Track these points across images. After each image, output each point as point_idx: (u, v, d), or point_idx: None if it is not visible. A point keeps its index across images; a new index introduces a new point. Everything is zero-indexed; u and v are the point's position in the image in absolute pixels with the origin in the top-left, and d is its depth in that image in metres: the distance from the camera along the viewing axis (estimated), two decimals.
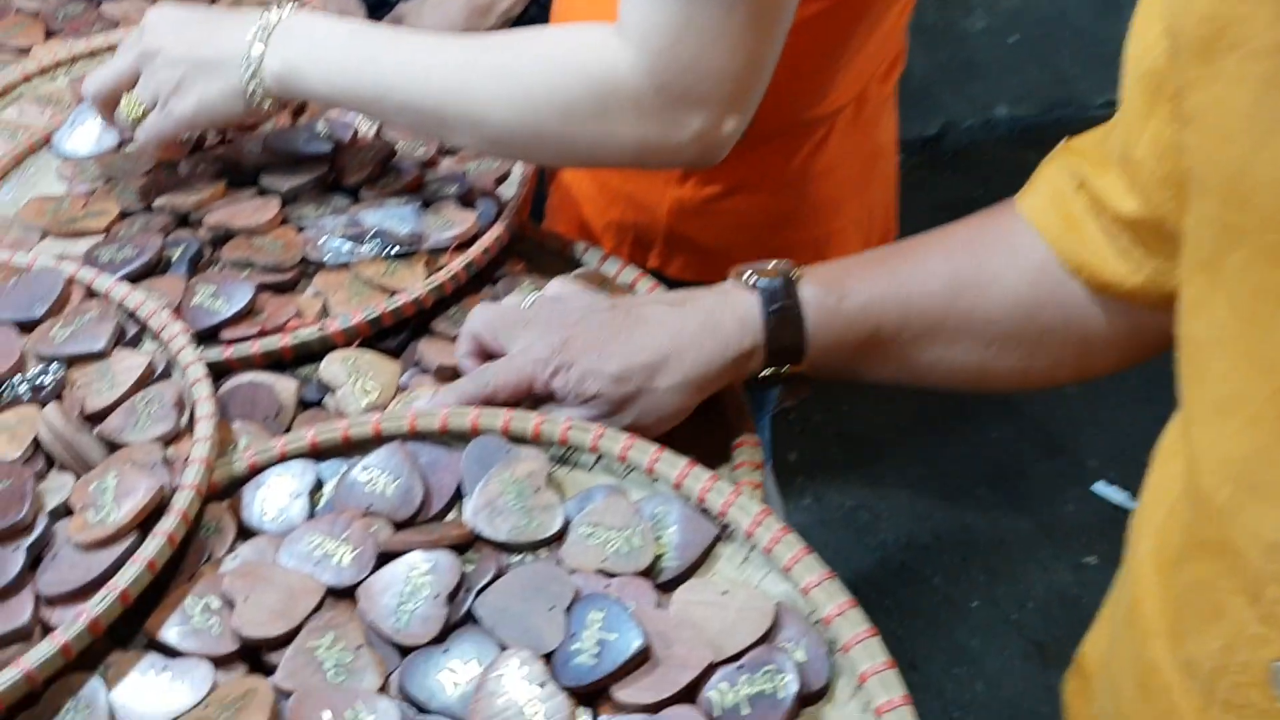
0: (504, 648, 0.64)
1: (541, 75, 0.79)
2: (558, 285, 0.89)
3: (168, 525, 0.67)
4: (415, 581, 0.67)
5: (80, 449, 0.71)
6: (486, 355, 0.82)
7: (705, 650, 0.63)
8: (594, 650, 0.63)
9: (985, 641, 2.25)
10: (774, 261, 0.76)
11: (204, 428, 0.74)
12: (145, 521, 0.67)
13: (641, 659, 0.63)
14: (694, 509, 0.72)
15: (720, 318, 0.74)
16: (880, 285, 0.76)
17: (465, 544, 0.70)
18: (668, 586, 0.69)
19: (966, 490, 2.55)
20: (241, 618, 0.65)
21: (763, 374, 0.76)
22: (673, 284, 1.07)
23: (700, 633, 0.65)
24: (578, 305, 0.79)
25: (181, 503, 0.68)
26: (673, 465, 0.73)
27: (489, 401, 0.78)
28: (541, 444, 0.77)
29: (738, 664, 0.64)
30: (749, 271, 0.76)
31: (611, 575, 0.69)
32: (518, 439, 0.77)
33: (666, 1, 0.75)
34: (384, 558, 0.69)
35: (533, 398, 0.79)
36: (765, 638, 0.65)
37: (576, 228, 1.15)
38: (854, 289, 0.75)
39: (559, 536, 0.71)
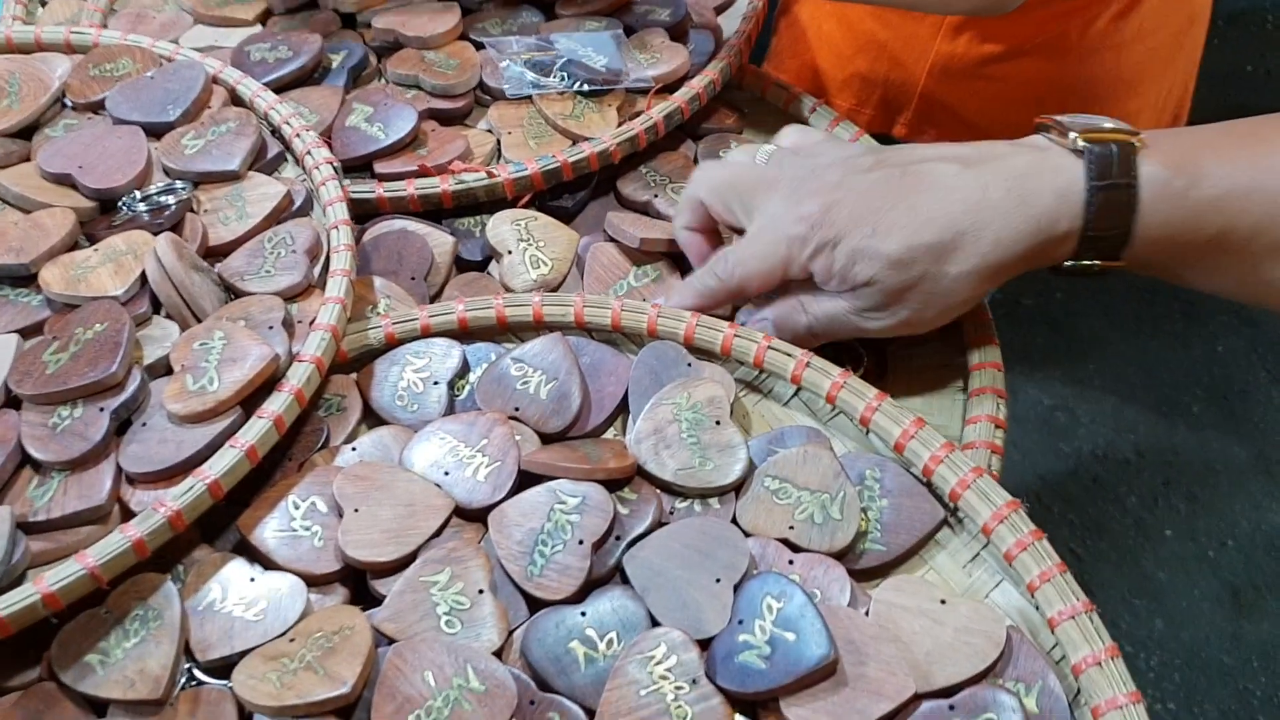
0: (654, 622, 0.52)
1: None
2: (796, 134, 0.68)
3: (276, 406, 0.55)
4: (558, 518, 0.54)
5: (191, 293, 0.60)
6: (712, 231, 0.66)
7: (908, 677, 0.49)
8: (765, 648, 0.50)
9: (1174, 576, 2.04)
10: (1106, 120, 0.57)
11: (337, 285, 0.61)
12: (252, 397, 0.56)
13: (825, 673, 0.49)
14: (916, 481, 0.56)
15: (1035, 186, 0.57)
16: (1242, 174, 0.55)
17: (623, 478, 0.57)
18: (867, 576, 0.55)
19: (1181, 405, 2.29)
20: (349, 533, 0.54)
21: (1065, 265, 0.59)
22: None
23: (905, 651, 0.50)
24: (832, 161, 0.62)
25: (297, 379, 0.57)
26: (896, 420, 0.57)
27: (738, 297, 0.63)
28: (730, 362, 0.62)
29: (949, 702, 0.49)
30: (1074, 130, 0.57)
31: (797, 549, 0.55)
32: (702, 352, 0.62)
33: None
34: (525, 479, 0.57)
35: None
36: (989, 672, 0.50)
37: (807, 78, 0.96)
38: (1209, 174, 0.56)
39: (737, 486, 0.57)
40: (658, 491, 0.57)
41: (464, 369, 0.63)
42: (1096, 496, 2.16)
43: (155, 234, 0.63)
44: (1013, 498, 0.54)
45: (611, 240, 0.70)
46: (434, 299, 0.68)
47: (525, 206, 0.73)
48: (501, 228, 0.69)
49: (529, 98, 0.76)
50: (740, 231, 0.63)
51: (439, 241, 0.69)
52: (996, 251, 0.57)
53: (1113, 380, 2.30)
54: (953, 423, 0.64)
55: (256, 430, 0.54)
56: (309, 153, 0.69)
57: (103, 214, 0.67)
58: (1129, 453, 2.21)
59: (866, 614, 0.52)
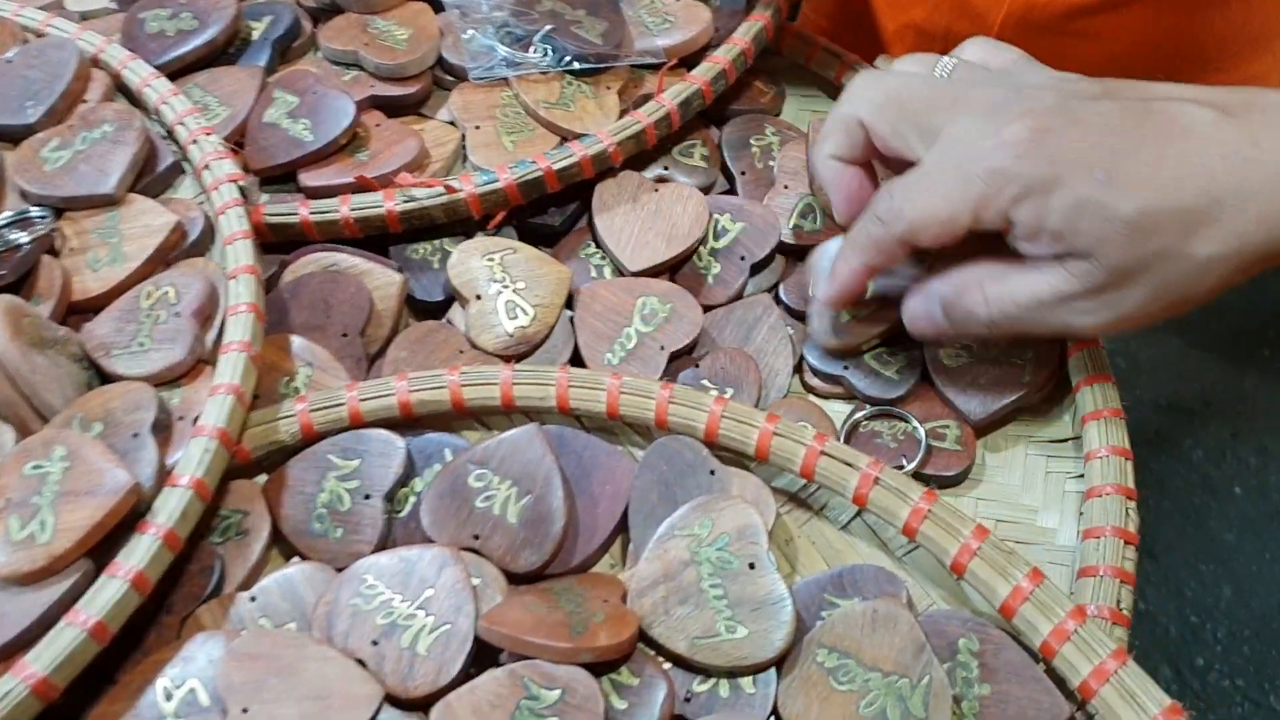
0: None
1: None
2: (984, 48, 0.51)
3: (136, 559, 0.40)
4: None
5: (31, 384, 0.44)
6: (867, 165, 0.50)
7: None
8: None
9: (1243, 538, 1.88)
10: None
11: (231, 367, 0.45)
12: (103, 543, 0.40)
13: None
14: (1031, 661, 0.40)
15: None
16: None
17: (620, 657, 0.41)
18: None
19: (1252, 350, 2.10)
20: None
21: None
22: None
23: None
24: (1043, 82, 0.47)
25: (167, 515, 0.41)
26: (1001, 571, 0.41)
27: (904, 249, 0.46)
28: (769, 465, 0.45)
29: None
30: None
31: None
32: (730, 450, 0.46)
33: None
34: (484, 649, 0.41)
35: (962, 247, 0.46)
36: None
37: (850, 32, 0.77)
38: None
39: (780, 660, 0.41)
40: (667, 669, 0.41)
41: (407, 474, 0.46)
42: (1158, 450, 1.99)
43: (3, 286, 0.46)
44: (1173, 701, 0.38)
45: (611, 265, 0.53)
46: (374, 361, 0.51)
47: (500, 225, 0.55)
48: (469, 263, 0.52)
49: (504, 79, 0.58)
50: (909, 166, 0.46)
51: (382, 282, 0.53)
52: (1261, 232, 0.41)
53: (1178, 323, 2.12)
54: (1064, 525, 0.48)
55: (108, 597, 0.39)
56: (208, 166, 0.52)
57: None
58: (1195, 402, 2.04)
59: None
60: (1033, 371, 0.50)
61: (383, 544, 0.45)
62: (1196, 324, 2.14)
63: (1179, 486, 1.96)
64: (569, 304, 0.53)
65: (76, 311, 0.49)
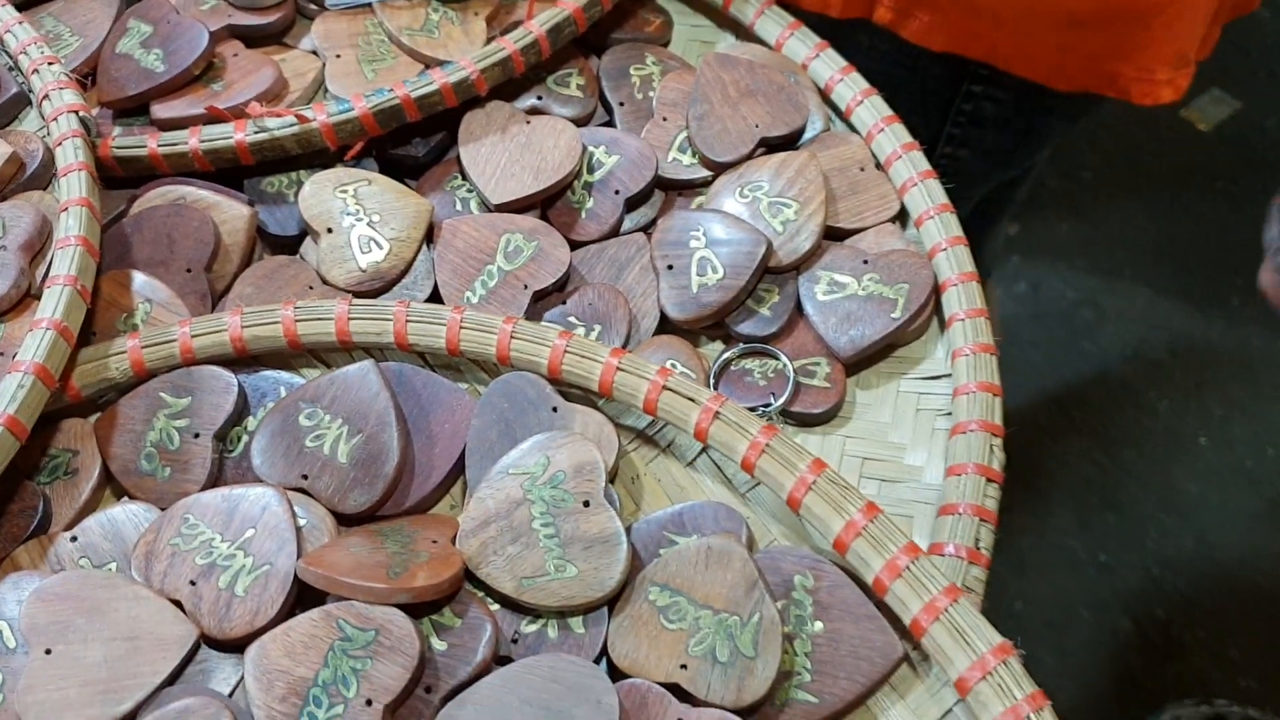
0: None
1: None
2: None
3: None
4: (339, 664, 0.37)
5: None
6: None
7: None
8: None
9: (1207, 489, 1.87)
10: None
11: (54, 300, 0.43)
12: None
13: None
14: (865, 598, 0.39)
15: None
16: None
17: (440, 599, 0.39)
18: None
19: (1219, 298, 2.08)
20: (32, 689, 0.37)
21: None
22: (896, 56, 0.68)
23: None
24: None
25: None
26: (836, 506, 0.39)
27: None
28: (612, 402, 0.44)
29: None
30: None
31: (692, 700, 0.37)
32: (575, 388, 0.44)
33: None
34: (306, 592, 0.40)
35: None
36: None
37: None
38: None
39: (612, 599, 0.39)
40: (494, 611, 0.40)
41: (240, 412, 0.45)
42: (1123, 401, 1.97)
43: None
44: (1003, 639, 0.36)
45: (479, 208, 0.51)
46: (221, 298, 0.49)
47: (359, 156, 0.53)
48: (320, 196, 0.50)
49: (368, 6, 0.56)
50: None
51: (230, 215, 0.51)
52: None
53: (1144, 271, 2.09)
54: (932, 462, 0.47)
55: None
56: (48, 96, 0.50)
57: None
58: (1161, 352, 2.02)
59: None
60: (905, 308, 0.49)
61: (213, 484, 0.43)
62: (1165, 272, 2.12)
63: (1142, 437, 1.95)
64: (430, 239, 0.51)
65: None
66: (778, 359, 0.49)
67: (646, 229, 0.53)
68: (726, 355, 0.49)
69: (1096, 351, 2.04)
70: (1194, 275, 2.12)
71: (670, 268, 0.49)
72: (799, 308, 0.50)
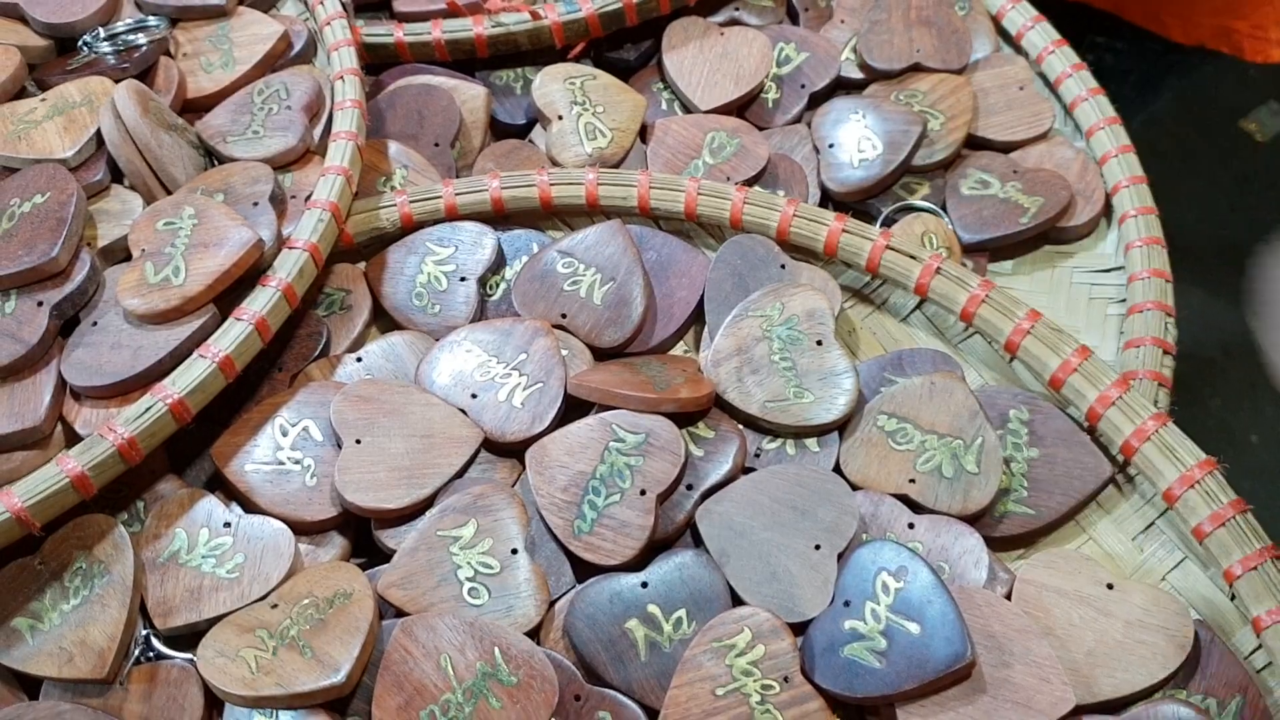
0: (736, 598, 0.40)
1: None
2: None
3: (259, 305, 0.44)
4: (615, 460, 0.42)
5: (158, 157, 0.47)
6: None
7: (1066, 685, 0.38)
8: (880, 641, 0.38)
9: (1260, 487, 1.90)
10: None
11: (340, 152, 0.49)
12: (230, 292, 0.44)
13: (958, 676, 0.38)
14: (1077, 428, 0.44)
15: None
16: None
17: (698, 411, 0.45)
18: (1008, 545, 0.43)
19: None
20: (349, 470, 0.42)
21: None
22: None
23: (1061, 650, 0.39)
24: None
25: (286, 271, 0.45)
26: (1053, 347, 0.44)
27: None
28: (835, 264, 0.49)
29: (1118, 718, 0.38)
30: None
31: (919, 509, 0.43)
32: (800, 250, 0.49)
33: None
34: (573, 406, 0.45)
35: None
36: (1169, 680, 0.38)
37: None
38: None
39: (842, 424, 0.45)
40: (740, 428, 0.45)
41: (498, 262, 0.50)
42: (1178, 399, 2.02)
43: (119, 81, 0.50)
44: (1207, 456, 0.41)
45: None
46: (463, 171, 0.55)
47: (579, 58, 0.59)
48: (551, 86, 0.56)
49: None
50: None
51: (470, 97, 0.56)
52: None
53: (1199, 274, 2.14)
54: (1105, 343, 0.52)
55: (234, 336, 0.43)
56: None
57: (59, 55, 0.54)
58: (1215, 351, 2.06)
59: (1009, 597, 0.40)
60: (1034, 216, 0.53)
61: (476, 320, 0.49)
62: (1219, 275, 2.15)
63: (1197, 435, 1.98)
64: (642, 136, 0.56)
65: (190, 110, 0.53)
66: (938, 214, 0.54)
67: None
68: (887, 211, 0.54)
69: None
70: (1248, 279, 2.15)
71: (831, 146, 0.55)
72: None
